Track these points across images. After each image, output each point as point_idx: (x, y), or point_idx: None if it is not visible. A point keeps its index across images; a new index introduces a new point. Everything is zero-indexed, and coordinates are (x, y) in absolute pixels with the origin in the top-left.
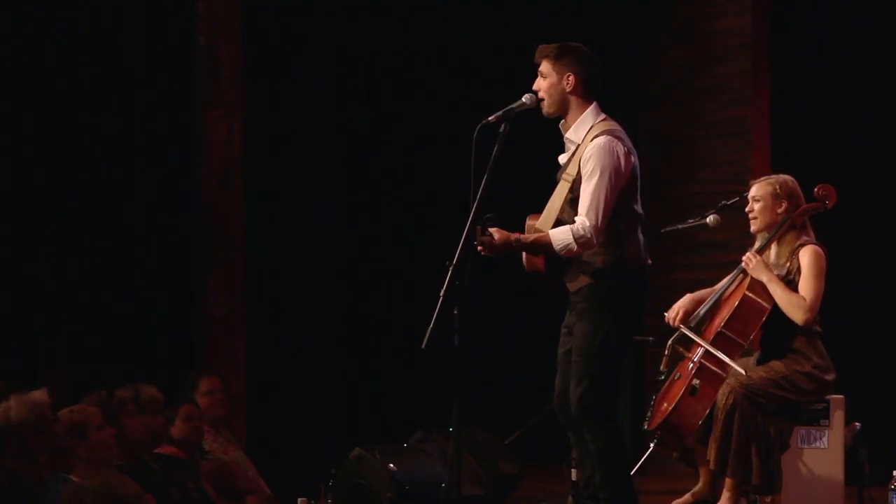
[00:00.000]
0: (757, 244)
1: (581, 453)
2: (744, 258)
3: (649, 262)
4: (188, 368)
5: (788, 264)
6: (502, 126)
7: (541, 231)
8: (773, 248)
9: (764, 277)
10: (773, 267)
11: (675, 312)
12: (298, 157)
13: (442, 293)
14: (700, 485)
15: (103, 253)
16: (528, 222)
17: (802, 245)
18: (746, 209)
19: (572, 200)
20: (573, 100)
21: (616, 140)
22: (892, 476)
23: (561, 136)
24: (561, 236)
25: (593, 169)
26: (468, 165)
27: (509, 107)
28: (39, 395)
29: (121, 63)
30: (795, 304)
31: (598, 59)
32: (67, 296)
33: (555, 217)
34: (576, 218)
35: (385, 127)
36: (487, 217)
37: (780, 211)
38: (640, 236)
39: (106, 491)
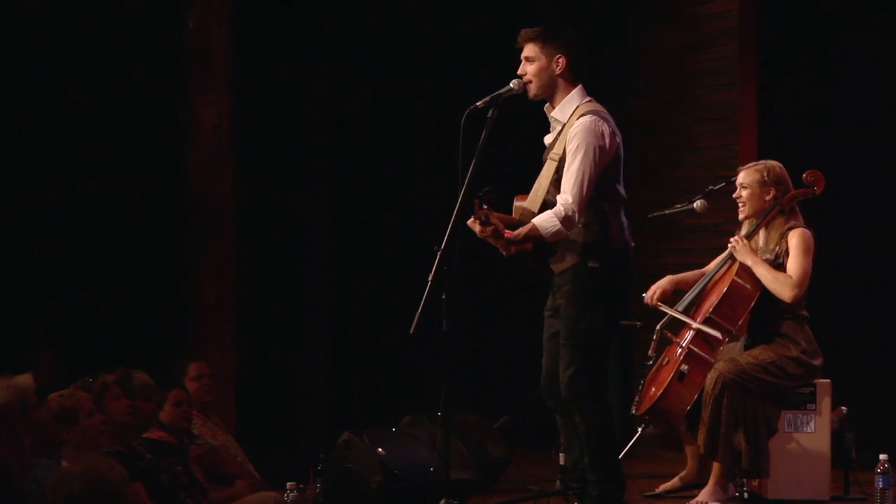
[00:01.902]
0: (744, 230)
1: (569, 437)
2: (730, 242)
3: (632, 244)
4: (179, 353)
5: (777, 248)
6: (490, 111)
7: (529, 211)
8: (762, 234)
9: (749, 261)
10: (763, 252)
11: (652, 292)
12: (288, 142)
13: (430, 278)
14: (688, 469)
15: (94, 237)
16: (516, 203)
17: (791, 228)
18: (734, 195)
19: (558, 181)
20: (561, 82)
21: (601, 119)
22: (879, 460)
23: (545, 118)
24: (547, 223)
25: (578, 146)
26: (457, 150)
27: (497, 92)
28: (24, 379)
29: (110, 47)
30: (782, 282)
31: (583, 41)
32: (59, 280)
33: (542, 197)
34: (558, 196)
35: (376, 111)
36: (485, 190)
37: (768, 198)
38: (624, 218)
39: (92, 475)
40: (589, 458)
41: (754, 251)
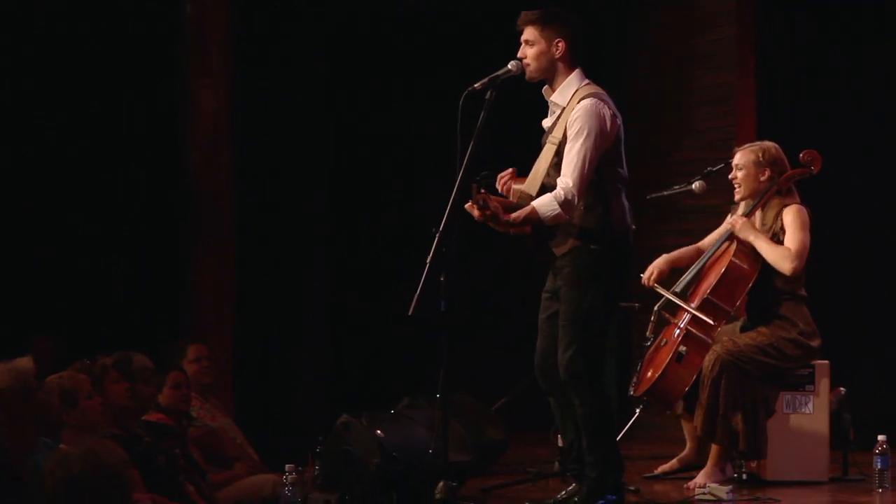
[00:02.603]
0: (741, 210)
1: (563, 418)
2: (729, 221)
3: (633, 226)
4: (177, 336)
5: (773, 226)
6: (488, 93)
7: (528, 194)
8: (758, 214)
9: (751, 237)
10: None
11: (649, 272)
12: (287, 124)
13: (428, 260)
14: (686, 450)
15: (92, 222)
16: (514, 186)
17: (786, 206)
18: (730, 176)
19: (557, 164)
20: (560, 65)
21: (602, 102)
22: (877, 441)
23: (544, 101)
24: (547, 207)
25: (579, 130)
26: (454, 133)
27: (495, 74)
28: (24, 362)
29: (107, 31)
30: (782, 255)
31: (582, 24)
32: (58, 264)
33: (540, 181)
34: (558, 180)
35: (375, 92)
36: (483, 174)
37: (763, 178)
38: (625, 201)
39: (91, 458)
40: (587, 441)
41: (754, 226)
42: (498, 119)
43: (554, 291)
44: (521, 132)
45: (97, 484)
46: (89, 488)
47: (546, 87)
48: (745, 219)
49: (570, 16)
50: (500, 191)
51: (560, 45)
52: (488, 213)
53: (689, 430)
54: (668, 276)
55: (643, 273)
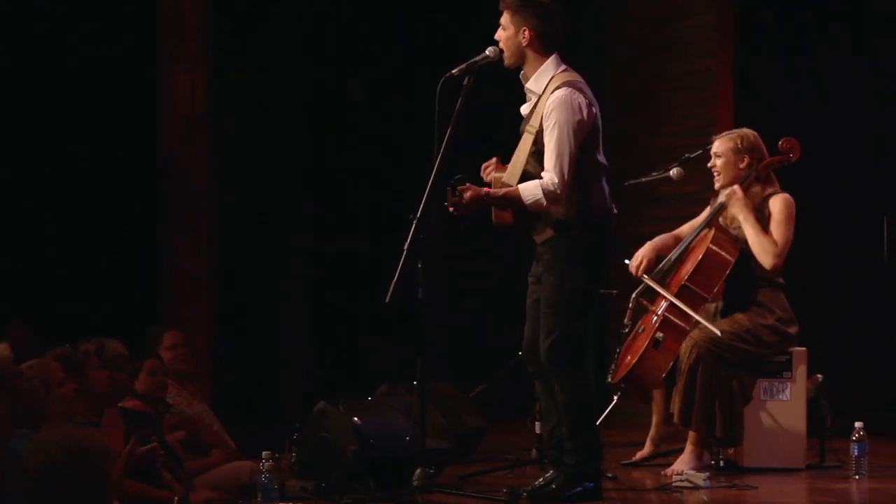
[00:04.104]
0: (721, 198)
1: (546, 404)
2: (728, 190)
3: (615, 211)
4: (153, 323)
5: (758, 214)
6: (466, 79)
7: (508, 185)
8: None
9: (741, 214)
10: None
11: (637, 261)
12: (265, 111)
13: (406, 247)
14: (653, 428)
15: (66, 207)
16: (494, 174)
17: (772, 194)
18: (709, 165)
19: (536, 153)
20: (529, 53)
21: (576, 91)
22: (854, 427)
23: (522, 87)
24: (531, 191)
25: (555, 122)
26: (433, 118)
27: (473, 59)
28: (2, 349)
29: (82, 15)
30: (766, 249)
31: (558, 11)
32: (30, 251)
33: (521, 170)
34: (543, 173)
35: (352, 76)
36: (457, 178)
37: (742, 166)
38: (605, 186)
39: (71, 443)
40: (567, 427)
41: (749, 205)
42: (478, 104)
43: (537, 276)
44: (502, 117)
45: (77, 469)
46: (69, 474)
47: (522, 72)
48: (741, 193)
49: (543, 3)
50: (485, 180)
51: (526, 33)
52: (462, 210)
53: (657, 401)
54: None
55: (627, 260)
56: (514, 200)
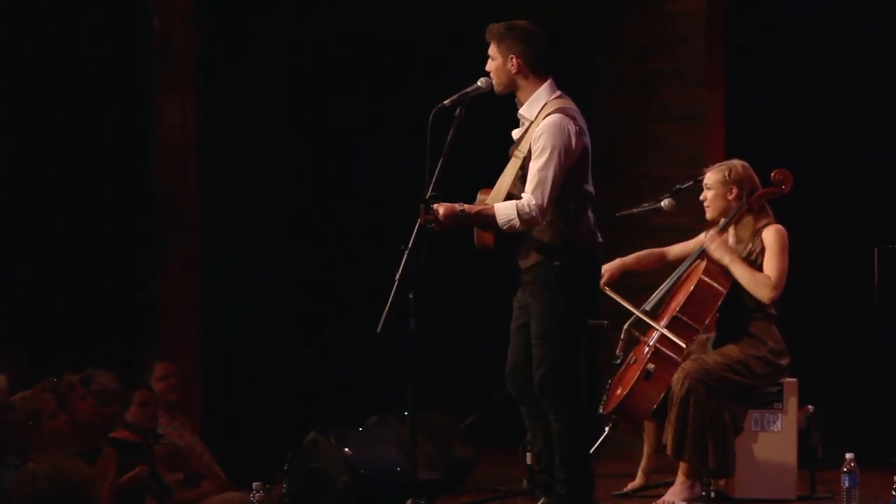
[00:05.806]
0: (714, 229)
1: (533, 428)
2: (706, 239)
3: (600, 240)
4: (144, 353)
5: (751, 246)
6: (458, 110)
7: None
8: (731, 232)
9: (726, 259)
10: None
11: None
12: (254, 139)
13: (397, 277)
14: (644, 460)
15: (57, 235)
16: (479, 196)
17: (766, 226)
18: (700, 197)
19: (522, 177)
20: (521, 80)
21: (568, 118)
22: (845, 459)
23: (515, 111)
24: (505, 211)
25: (543, 147)
26: (424, 148)
27: (465, 90)
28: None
29: (74, 44)
30: (761, 283)
31: (543, 36)
32: (22, 278)
33: (505, 192)
34: (522, 195)
35: (343, 108)
36: (432, 195)
37: (731, 197)
38: (591, 215)
39: (58, 475)
40: (560, 457)
41: (731, 249)
42: (469, 130)
43: (522, 303)
44: (492, 141)
45: (63, 501)
46: None
47: (517, 98)
48: (720, 239)
49: (528, 29)
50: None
51: (514, 60)
52: (441, 227)
53: (648, 433)
54: (623, 282)
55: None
56: (488, 219)
